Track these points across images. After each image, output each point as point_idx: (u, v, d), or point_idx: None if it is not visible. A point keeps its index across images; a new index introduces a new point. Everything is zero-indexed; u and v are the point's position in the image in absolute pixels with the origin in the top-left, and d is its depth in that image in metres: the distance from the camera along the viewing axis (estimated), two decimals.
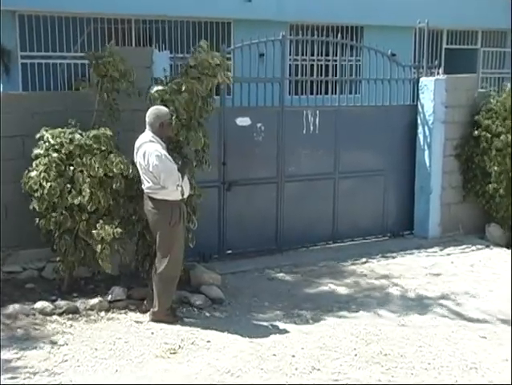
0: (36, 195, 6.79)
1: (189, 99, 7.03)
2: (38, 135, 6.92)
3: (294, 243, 9.30)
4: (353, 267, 8.66)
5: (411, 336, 6.48)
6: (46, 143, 6.88)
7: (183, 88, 6.99)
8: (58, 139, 6.84)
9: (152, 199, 6.56)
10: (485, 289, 7.95)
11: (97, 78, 7.15)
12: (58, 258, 7.04)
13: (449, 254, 9.36)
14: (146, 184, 6.58)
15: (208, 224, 8.14)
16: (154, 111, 6.66)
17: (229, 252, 8.86)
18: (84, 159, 6.77)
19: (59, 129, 6.92)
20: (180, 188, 6.50)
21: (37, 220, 6.87)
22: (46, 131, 6.94)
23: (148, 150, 6.47)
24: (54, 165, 6.75)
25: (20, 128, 7.32)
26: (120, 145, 7.01)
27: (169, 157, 6.51)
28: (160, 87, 7.06)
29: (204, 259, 8.46)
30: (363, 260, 8.95)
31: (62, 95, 7.58)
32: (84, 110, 7.22)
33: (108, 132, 6.96)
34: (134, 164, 6.74)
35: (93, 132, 6.91)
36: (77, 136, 6.85)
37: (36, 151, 6.91)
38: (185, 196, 6.65)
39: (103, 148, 6.86)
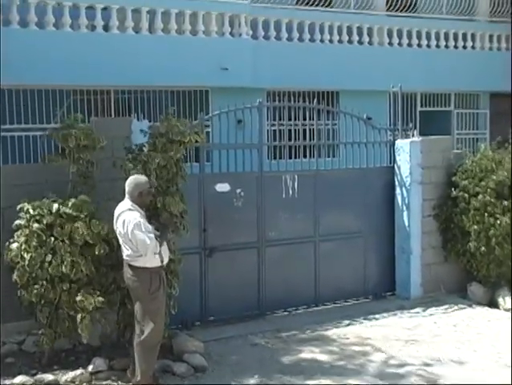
0: (18, 266, 6.77)
1: (163, 166, 7.16)
2: (18, 207, 6.95)
3: (277, 307, 9.27)
4: (336, 330, 8.61)
5: None
6: (27, 215, 6.90)
7: (155, 156, 7.14)
8: (39, 210, 6.87)
9: (131, 267, 6.56)
10: (469, 350, 7.92)
11: (67, 149, 7.25)
12: (40, 331, 6.98)
13: (431, 314, 9.35)
14: (126, 252, 6.59)
15: (190, 290, 8.12)
16: (133, 180, 6.74)
17: (212, 318, 8.80)
18: (66, 227, 6.79)
19: (39, 201, 6.96)
20: (158, 256, 6.53)
21: (18, 292, 6.82)
22: (27, 202, 6.97)
23: (128, 218, 6.51)
24: (35, 236, 6.76)
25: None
26: (101, 214, 7.05)
27: (148, 225, 6.55)
28: (133, 155, 7.22)
29: (186, 326, 8.40)
30: (346, 322, 8.92)
31: (41, 166, 7.65)
32: (62, 180, 7.29)
33: (86, 199, 7.02)
34: (114, 232, 6.76)
35: (72, 201, 6.95)
36: (55, 206, 6.89)
37: (17, 222, 6.93)
38: (165, 262, 6.66)
39: (84, 215, 6.91)
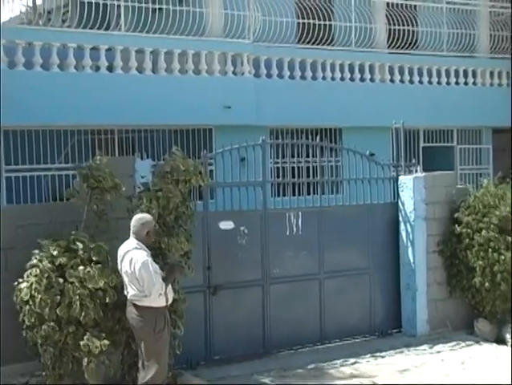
0: (27, 307, 6.73)
1: (166, 205, 7.16)
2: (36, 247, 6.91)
3: (282, 345, 9.20)
4: (342, 369, 8.54)
5: None
6: (42, 254, 6.87)
7: (159, 195, 7.15)
8: (57, 248, 6.85)
9: (136, 306, 6.54)
10: None
11: (86, 189, 7.26)
12: (44, 372, 6.92)
13: (438, 352, 9.27)
14: (131, 292, 6.57)
15: (194, 329, 8.07)
16: (140, 219, 6.75)
17: (217, 357, 8.73)
18: (78, 270, 6.76)
19: (56, 241, 6.95)
20: (163, 296, 6.50)
21: (24, 332, 6.79)
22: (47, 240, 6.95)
23: (135, 257, 6.50)
24: (45, 276, 6.72)
25: (3, 242, 7.33)
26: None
27: (155, 265, 6.56)
28: (138, 195, 7.24)
29: (191, 366, 8.33)
30: (352, 360, 8.84)
31: (45, 206, 7.71)
32: (68, 220, 7.29)
33: (103, 245, 7.01)
34: (119, 272, 6.75)
35: (92, 244, 6.94)
36: (77, 246, 6.87)
37: (31, 262, 6.88)
38: (169, 302, 6.64)
39: (97, 260, 6.89)
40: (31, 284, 6.72)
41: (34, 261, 6.86)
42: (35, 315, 6.70)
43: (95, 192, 7.25)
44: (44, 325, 6.68)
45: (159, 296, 6.49)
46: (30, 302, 6.70)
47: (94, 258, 6.87)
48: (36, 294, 6.67)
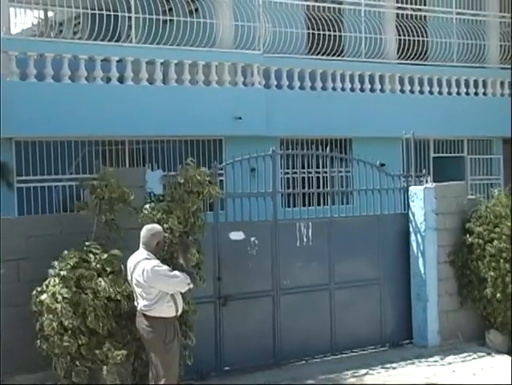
0: (48, 316, 6.74)
1: (181, 216, 7.17)
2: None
3: (293, 356, 9.17)
4: (353, 380, 8.51)
5: None
6: (62, 264, 6.91)
7: (174, 206, 7.16)
8: (75, 260, 6.89)
9: (146, 316, 6.55)
10: None
11: (95, 200, 7.28)
12: (58, 383, 6.92)
13: (450, 363, 9.21)
14: (141, 303, 6.59)
15: (204, 340, 8.07)
16: (150, 230, 6.77)
17: (227, 368, 8.72)
18: (93, 281, 6.79)
19: (74, 251, 7.00)
20: (173, 304, 6.53)
21: (38, 342, 6.80)
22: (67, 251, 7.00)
23: (147, 267, 6.53)
24: (65, 286, 6.75)
25: (15, 252, 7.37)
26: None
27: (166, 267, 6.60)
28: (152, 205, 7.23)
29: (201, 377, 8.33)
30: (363, 372, 8.80)
31: (56, 217, 7.75)
32: (79, 231, 7.31)
33: (117, 254, 7.04)
34: (128, 283, 6.77)
35: (104, 255, 6.98)
36: (90, 257, 6.92)
37: (51, 271, 6.93)
38: (179, 312, 6.65)
39: (114, 270, 6.92)
40: (53, 293, 6.73)
41: (55, 271, 6.88)
42: (54, 325, 6.71)
43: (103, 203, 7.27)
44: (65, 335, 6.69)
45: (187, 285, 6.57)
46: (47, 313, 6.71)
47: (107, 269, 6.89)
48: (57, 304, 6.68)
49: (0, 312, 7.15)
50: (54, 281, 6.81)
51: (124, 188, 7.30)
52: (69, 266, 6.85)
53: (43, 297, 6.79)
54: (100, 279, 6.80)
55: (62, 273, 6.83)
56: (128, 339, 6.99)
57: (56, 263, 6.96)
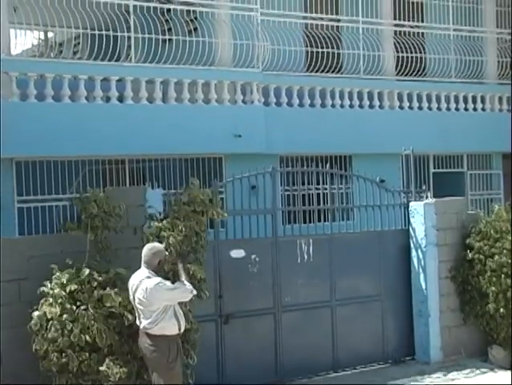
0: (38, 336, 6.75)
1: (185, 236, 7.18)
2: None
3: (295, 374, 9.15)
4: None
5: None
6: (52, 284, 6.91)
7: (179, 226, 7.16)
8: (67, 276, 6.89)
9: (149, 335, 6.54)
10: None
11: (86, 218, 7.29)
12: None
13: (453, 379, 9.19)
14: (144, 322, 6.58)
15: (206, 358, 8.05)
16: (152, 249, 6.77)
17: None
18: (94, 294, 6.80)
19: (70, 269, 7.00)
20: (176, 322, 6.52)
21: (39, 361, 6.79)
22: (60, 271, 7.00)
23: (149, 285, 6.52)
24: (58, 303, 6.75)
25: (16, 272, 7.36)
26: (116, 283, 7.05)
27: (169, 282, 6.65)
28: (155, 224, 7.23)
29: None
30: None
31: (57, 237, 7.72)
32: (78, 251, 7.31)
33: (123, 272, 7.04)
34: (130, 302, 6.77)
35: (108, 275, 7.00)
36: (86, 271, 6.93)
37: (42, 288, 6.93)
38: (182, 329, 6.64)
39: (115, 284, 6.95)
40: (44, 313, 6.74)
41: (46, 289, 6.88)
42: (47, 343, 6.70)
43: (95, 220, 7.26)
44: (57, 353, 6.67)
45: (191, 293, 6.62)
46: (42, 331, 6.71)
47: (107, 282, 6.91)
48: (49, 322, 6.68)
49: (0, 333, 7.14)
50: (47, 300, 6.81)
51: (116, 203, 7.30)
52: (60, 283, 6.84)
53: (35, 315, 6.79)
54: (107, 291, 6.79)
55: (53, 291, 6.83)
56: (129, 358, 6.97)
57: (48, 282, 6.96)
